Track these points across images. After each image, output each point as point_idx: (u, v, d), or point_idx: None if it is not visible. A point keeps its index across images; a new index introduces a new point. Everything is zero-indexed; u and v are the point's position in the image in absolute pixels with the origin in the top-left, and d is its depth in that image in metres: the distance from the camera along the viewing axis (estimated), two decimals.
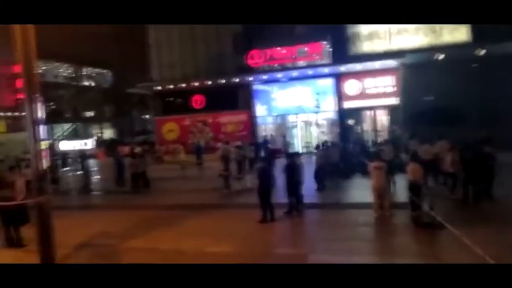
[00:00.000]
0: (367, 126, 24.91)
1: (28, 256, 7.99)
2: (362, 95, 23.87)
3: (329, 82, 24.54)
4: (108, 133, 48.36)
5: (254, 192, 11.35)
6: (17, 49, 7.39)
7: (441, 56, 20.68)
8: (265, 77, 25.63)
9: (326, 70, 23.94)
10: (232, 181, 14.54)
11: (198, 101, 27.95)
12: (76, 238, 9.30)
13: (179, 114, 28.30)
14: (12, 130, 38.65)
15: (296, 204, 10.61)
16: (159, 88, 28.62)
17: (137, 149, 23.64)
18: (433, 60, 20.90)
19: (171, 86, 27.98)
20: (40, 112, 7.56)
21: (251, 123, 26.58)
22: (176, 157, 25.43)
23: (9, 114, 38.26)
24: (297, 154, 11.75)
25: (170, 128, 28.79)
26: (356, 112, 24.62)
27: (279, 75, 25.18)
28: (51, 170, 14.38)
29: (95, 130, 46.53)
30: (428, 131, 14.70)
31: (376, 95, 23.57)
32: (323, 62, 24.07)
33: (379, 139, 19.59)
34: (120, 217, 11.67)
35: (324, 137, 23.12)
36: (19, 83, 37.02)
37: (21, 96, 37.21)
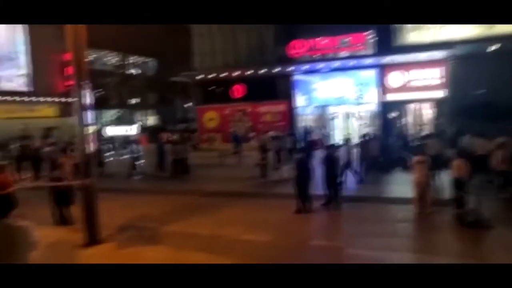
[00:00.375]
0: (410, 119, 24.05)
1: (75, 235, 8.45)
2: (407, 88, 23.02)
3: (372, 73, 23.85)
4: (152, 120, 49.81)
5: (291, 182, 11.36)
6: (67, 38, 7.74)
7: (494, 47, 19.49)
8: (305, 67, 25.32)
9: (369, 61, 23.28)
10: (269, 171, 14.58)
11: (238, 90, 28.12)
12: (119, 220, 9.71)
13: (220, 103, 28.62)
14: (64, 115, 40.79)
15: (333, 196, 10.50)
16: (201, 77, 29.03)
17: (175, 136, 24.29)
18: (485, 52, 19.75)
19: (212, 75, 28.30)
20: (89, 98, 7.91)
21: (290, 114, 26.43)
22: (212, 145, 25.90)
23: (61, 99, 40.29)
24: (336, 146, 11.57)
25: (210, 117, 29.21)
26: (399, 105, 23.79)
27: (320, 65, 24.79)
28: (97, 154, 15.01)
29: (139, 116, 48.05)
30: (477, 126, 13.98)
31: (422, 87, 22.65)
32: (367, 52, 23.41)
33: (423, 133, 18.86)
34: (161, 202, 12.06)
35: (365, 130, 22.59)
36: (70, 70, 38.96)
37: (71, 82, 39.12)
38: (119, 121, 46.05)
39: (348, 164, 12.50)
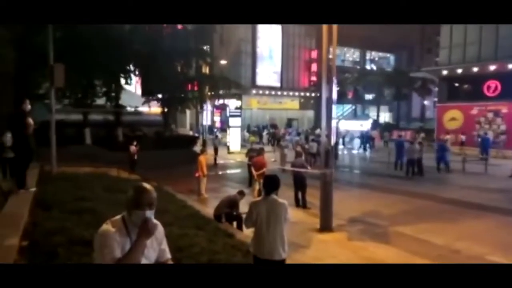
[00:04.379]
0: None
1: (311, 219, 9.23)
2: None
3: None
4: (385, 117, 48.98)
5: None
6: (322, 36, 8.33)
7: None
8: None
9: None
10: None
11: (491, 87, 24.26)
12: (350, 212, 10.00)
13: (466, 102, 25.42)
14: (304, 108, 44.99)
15: None
16: (446, 72, 26.45)
17: (419, 136, 23.03)
18: None
19: (460, 70, 25.34)
20: (334, 93, 8.38)
21: None
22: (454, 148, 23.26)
23: (302, 94, 44.49)
24: None
25: (452, 116, 26.36)
26: None
27: None
28: (334, 146, 15.86)
29: (372, 112, 48.05)
30: None
31: None
32: None
33: None
34: (393, 201, 11.74)
35: None
36: (314, 67, 42.55)
37: (314, 78, 42.82)
38: (352, 116, 47.33)
39: None
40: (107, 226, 2.30)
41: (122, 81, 21.79)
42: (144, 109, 24.94)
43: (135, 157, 15.50)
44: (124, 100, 22.12)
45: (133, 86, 27.89)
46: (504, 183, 12.94)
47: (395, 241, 7.98)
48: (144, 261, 2.34)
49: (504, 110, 23.61)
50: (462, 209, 10.69)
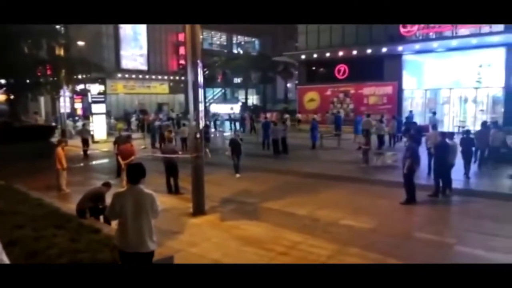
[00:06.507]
0: None
1: (183, 204, 9.17)
2: None
3: (499, 53, 21.11)
4: (253, 99, 51.16)
5: (393, 169, 10.73)
6: None
7: None
8: (417, 46, 23.46)
9: (496, 39, 20.61)
10: (372, 156, 14.00)
11: (341, 70, 27.27)
12: (222, 193, 10.25)
13: (321, 84, 28.12)
14: (174, 92, 44.13)
15: (443, 188, 9.69)
16: (304, 56, 28.75)
17: (275, 116, 24.53)
18: None
19: (316, 55, 27.82)
20: (200, 77, 8.34)
21: (397, 96, 24.88)
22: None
23: (172, 78, 43.50)
24: (450, 134, 10.60)
25: (311, 97, 28.93)
26: None
27: (435, 44, 22.73)
28: (204, 130, 15.91)
29: (241, 95, 49.68)
30: None
31: None
32: (492, 30, 20.75)
33: None
34: (261, 179, 12.38)
35: (484, 117, 20.34)
36: (183, 50, 41.83)
37: (183, 62, 42.14)
38: (223, 99, 48.28)
39: (466, 154, 11.38)
40: None
41: None
42: None
43: None
44: None
45: None
46: (354, 155, 14.74)
47: (264, 216, 8.46)
48: None
49: (352, 91, 26.85)
50: (322, 181, 11.85)
